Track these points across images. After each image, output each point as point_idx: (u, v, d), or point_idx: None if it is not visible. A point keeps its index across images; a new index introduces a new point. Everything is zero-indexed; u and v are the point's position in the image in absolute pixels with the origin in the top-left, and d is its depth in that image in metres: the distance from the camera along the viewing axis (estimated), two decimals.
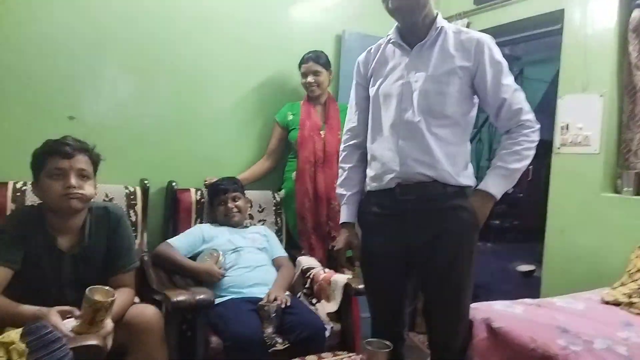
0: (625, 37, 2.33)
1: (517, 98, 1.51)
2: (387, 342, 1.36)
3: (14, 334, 1.14)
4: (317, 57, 2.56)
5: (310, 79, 2.55)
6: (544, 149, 2.93)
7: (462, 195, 1.51)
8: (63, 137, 1.56)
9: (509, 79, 1.52)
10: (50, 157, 1.51)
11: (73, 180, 1.50)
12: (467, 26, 3.02)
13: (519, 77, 7.21)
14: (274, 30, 2.72)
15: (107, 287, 1.41)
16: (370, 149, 1.65)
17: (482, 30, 3.04)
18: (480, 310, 1.71)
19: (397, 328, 1.69)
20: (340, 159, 1.77)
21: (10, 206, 1.95)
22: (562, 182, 2.54)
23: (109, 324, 1.40)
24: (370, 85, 1.64)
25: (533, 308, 1.80)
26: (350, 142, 1.73)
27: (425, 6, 1.50)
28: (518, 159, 1.49)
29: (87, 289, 1.35)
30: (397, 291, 1.67)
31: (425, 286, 1.62)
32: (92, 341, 1.31)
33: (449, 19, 3.15)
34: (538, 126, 1.51)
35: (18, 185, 1.99)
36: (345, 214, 1.70)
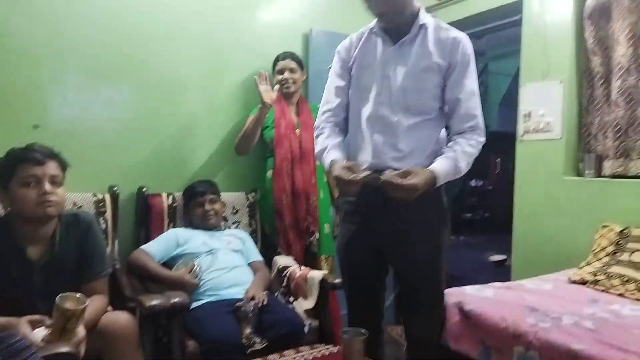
0: (581, 24, 2.43)
1: (474, 102, 1.53)
2: (363, 330, 1.39)
3: None
4: (292, 55, 2.61)
5: (286, 75, 2.57)
6: (511, 141, 3.01)
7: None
8: (30, 145, 1.54)
9: (470, 81, 1.53)
10: (21, 165, 1.49)
11: (47, 187, 1.49)
12: None
13: (483, 72, 7.37)
14: (240, 31, 2.71)
15: (78, 295, 1.39)
16: (347, 139, 1.67)
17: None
18: (453, 294, 1.75)
19: (375, 319, 1.71)
20: (315, 135, 1.70)
21: None
22: (526, 168, 2.61)
23: (80, 331, 1.38)
24: (352, 74, 1.64)
25: (503, 290, 1.85)
26: (327, 119, 1.68)
27: (409, 6, 1.53)
28: (468, 162, 1.51)
29: (58, 297, 1.33)
30: (372, 281, 1.69)
31: (399, 278, 1.65)
32: (64, 348, 1.29)
33: None
34: (484, 139, 1.54)
35: None
36: (331, 156, 1.56)
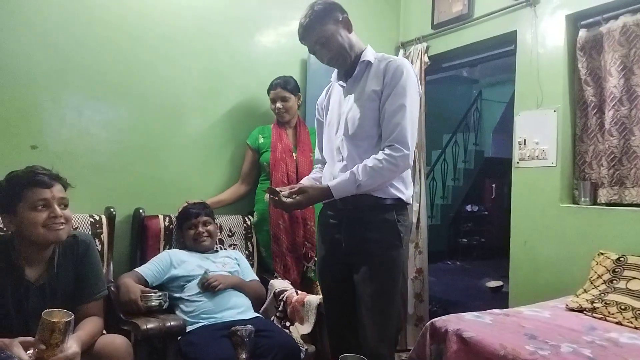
0: (574, 55, 2.48)
1: (398, 118, 1.59)
2: (363, 357, 1.37)
3: None
4: (285, 83, 2.59)
5: (279, 104, 2.59)
6: (505, 166, 3.04)
7: (388, 209, 1.65)
8: (32, 167, 1.53)
9: (396, 99, 1.61)
10: (29, 188, 1.48)
11: (58, 210, 1.50)
12: (426, 50, 3.14)
13: (478, 99, 7.49)
14: (240, 55, 2.75)
15: (64, 310, 1.37)
16: (324, 170, 1.90)
17: (441, 54, 3.19)
18: (452, 321, 1.74)
19: (356, 345, 1.70)
20: None
21: None
22: (522, 195, 2.63)
23: (70, 348, 1.35)
24: (324, 118, 1.90)
25: (501, 317, 1.84)
26: (316, 171, 1.99)
27: (352, 48, 1.70)
28: (372, 175, 1.58)
29: (44, 312, 1.32)
30: (348, 301, 1.72)
31: (355, 287, 1.70)
32: None
33: (409, 43, 3.28)
34: (407, 152, 1.58)
35: None
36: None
